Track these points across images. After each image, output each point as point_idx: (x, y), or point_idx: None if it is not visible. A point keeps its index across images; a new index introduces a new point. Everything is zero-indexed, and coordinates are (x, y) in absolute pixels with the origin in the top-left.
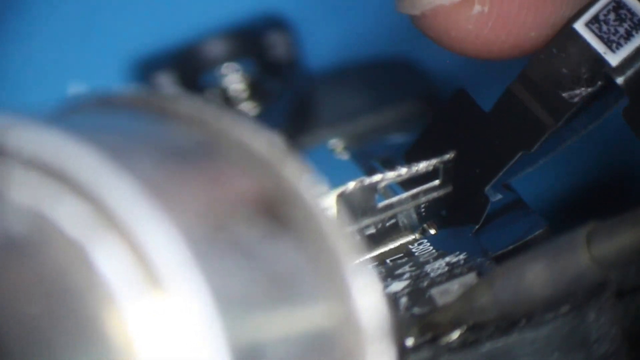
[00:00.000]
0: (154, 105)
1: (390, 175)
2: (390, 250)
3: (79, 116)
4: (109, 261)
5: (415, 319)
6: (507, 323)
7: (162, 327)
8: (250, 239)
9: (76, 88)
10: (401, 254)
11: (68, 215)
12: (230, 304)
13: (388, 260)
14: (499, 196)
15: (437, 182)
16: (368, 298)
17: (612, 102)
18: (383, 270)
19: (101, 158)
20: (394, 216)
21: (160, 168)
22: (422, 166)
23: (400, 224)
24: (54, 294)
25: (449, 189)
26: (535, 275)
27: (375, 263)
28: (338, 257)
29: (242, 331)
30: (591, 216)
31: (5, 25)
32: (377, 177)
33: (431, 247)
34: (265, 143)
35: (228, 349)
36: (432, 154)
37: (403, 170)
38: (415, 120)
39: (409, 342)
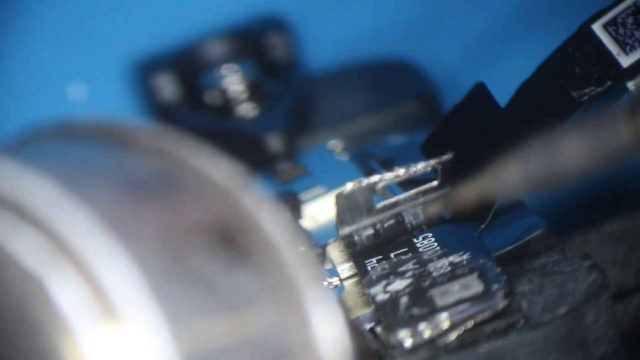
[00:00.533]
0: (113, 134)
1: (389, 175)
2: (395, 244)
3: (36, 147)
4: (66, 293)
5: (415, 318)
6: (506, 324)
7: (118, 358)
8: (209, 269)
9: (76, 89)
10: (405, 249)
11: (25, 248)
12: (188, 334)
13: (392, 255)
14: None
15: (435, 182)
16: (328, 328)
17: (612, 102)
18: (387, 266)
19: (57, 190)
20: (396, 215)
21: (118, 199)
22: (420, 167)
23: (407, 221)
24: (12, 325)
25: (447, 189)
26: (572, 148)
27: (379, 257)
28: (298, 287)
29: None
30: (590, 216)
31: (5, 25)
32: (375, 178)
33: (435, 244)
34: (225, 173)
35: None
36: (447, 147)
37: (401, 171)
38: (415, 120)
39: (407, 343)
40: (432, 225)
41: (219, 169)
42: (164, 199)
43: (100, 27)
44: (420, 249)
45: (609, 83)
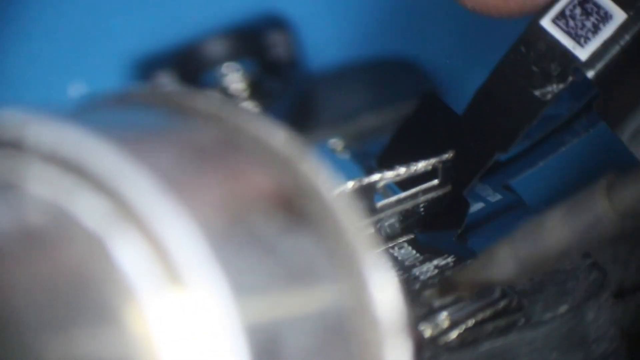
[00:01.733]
0: (171, 101)
1: (389, 174)
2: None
3: (97, 113)
4: (128, 255)
5: (414, 317)
6: (506, 322)
7: (181, 321)
8: (268, 233)
9: (76, 88)
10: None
11: (87, 209)
12: (249, 297)
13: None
14: (499, 197)
15: (435, 181)
16: (384, 292)
17: (577, 98)
18: None
19: (120, 153)
20: (378, 222)
21: (179, 163)
22: (421, 166)
23: (383, 233)
24: (73, 286)
25: (447, 188)
26: (554, 227)
27: None
28: (355, 251)
29: (261, 325)
30: None
31: (6, 25)
32: (375, 177)
33: (414, 251)
34: (282, 139)
35: (247, 342)
36: (406, 159)
37: (402, 170)
38: None
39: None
40: (405, 235)
41: (276, 136)
42: (223, 164)
43: (101, 25)
44: (399, 258)
45: (570, 79)
